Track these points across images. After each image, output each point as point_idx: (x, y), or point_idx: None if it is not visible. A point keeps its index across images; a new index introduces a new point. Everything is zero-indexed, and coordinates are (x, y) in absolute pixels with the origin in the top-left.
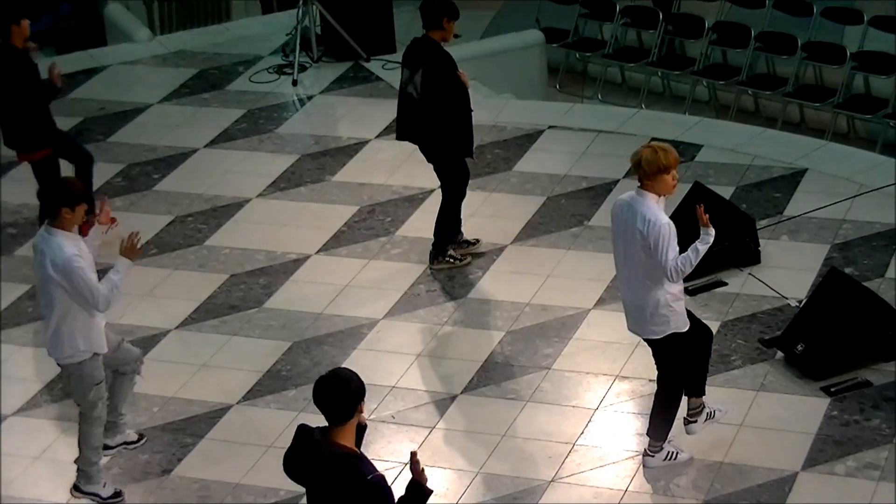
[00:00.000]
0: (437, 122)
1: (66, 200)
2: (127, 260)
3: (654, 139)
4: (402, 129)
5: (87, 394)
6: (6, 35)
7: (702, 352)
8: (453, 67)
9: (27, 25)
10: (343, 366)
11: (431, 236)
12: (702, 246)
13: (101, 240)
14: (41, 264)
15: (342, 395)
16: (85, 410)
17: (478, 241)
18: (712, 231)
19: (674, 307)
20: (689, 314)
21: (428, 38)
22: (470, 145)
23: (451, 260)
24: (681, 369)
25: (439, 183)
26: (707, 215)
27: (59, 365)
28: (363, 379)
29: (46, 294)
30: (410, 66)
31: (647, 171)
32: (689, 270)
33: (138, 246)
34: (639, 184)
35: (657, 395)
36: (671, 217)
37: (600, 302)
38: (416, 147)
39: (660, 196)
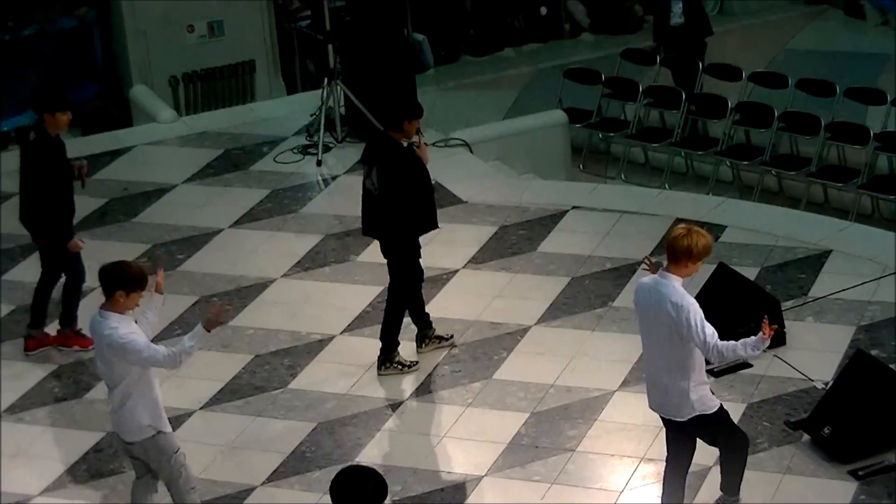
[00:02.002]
0: (395, 218)
1: (123, 284)
2: (205, 331)
3: (678, 220)
4: (364, 222)
5: (169, 464)
6: (39, 119)
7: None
8: (409, 161)
9: (66, 121)
10: (367, 447)
11: (455, 317)
12: (751, 350)
13: (157, 315)
14: (98, 347)
15: (356, 496)
16: (173, 481)
17: (451, 336)
18: (766, 345)
19: (699, 390)
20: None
21: (385, 136)
22: (433, 220)
23: (399, 367)
24: (729, 433)
25: (389, 281)
26: (772, 327)
27: (129, 444)
28: (386, 461)
29: (107, 373)
30: (367, 163)
31: (696, 255)
32: (729, 359)
33: (223, 320)
34: (667, 265)
35: (722, 452)
36: (696, 298)
37: (625, 383)
38: (438, 229)
39: (683, 278)
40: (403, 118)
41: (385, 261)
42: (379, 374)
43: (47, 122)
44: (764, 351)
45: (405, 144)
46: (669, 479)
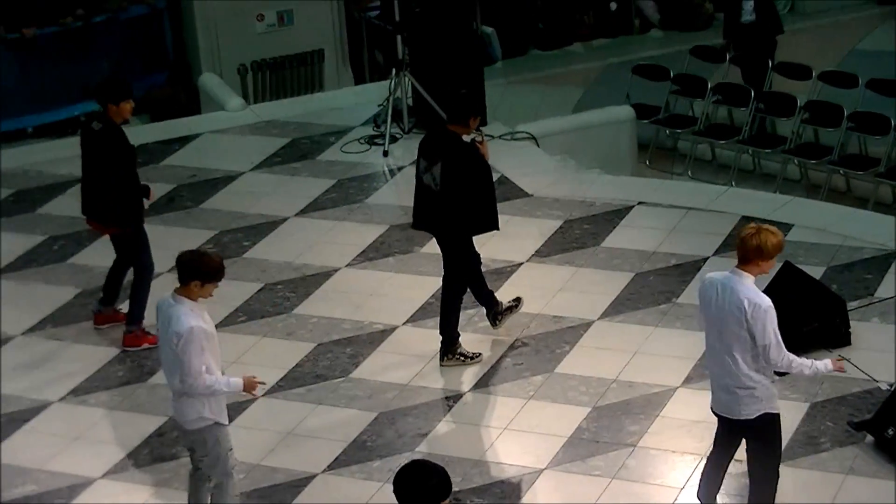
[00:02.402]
0: (457, 214)
1: (201, 275)
2: (241, 384)
3: (744, 218)
4: (418, 217)
5: (219, 461)
6: (103, 108)
7: None
8: (474, 158)
9: (129, 109)
10: (428, 438)
11: (523, 309)
12: (812, 373)
13: None
14: (164, 332)
15: (419, 491)
16: (219, 479)
17: (519, 299)
18: (830, 370)
19: (767, 386)
20: None
21: (449, 131)
22: (495, 221)
23: (462, 358)
24: (775, 452)
25: (444, 274)
26: (841, 362)
27: (185, 432)
28: (446, 452)
29: (168, 357)
30: (428, 158)
31: (766, 254)
32: (793, 371)
33: (257, 393)
34: (738, 263)
35: (752, 481)
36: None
37: (687, 380)
38: (507, 219)
39: (755, 277)
40: (472, 114)
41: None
42: (441, 366)
43: (111, 112)
44: (829, 350)
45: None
46: (711, 476)
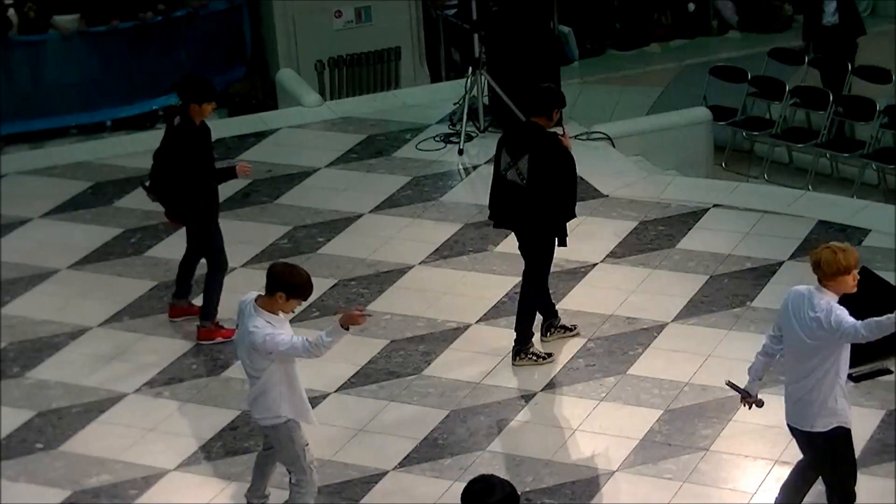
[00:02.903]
0: (542, 209)
1: (288, 288)
2: (343, 330)
3: (821, 222)
4: (500, 215)
5: (296, 459)
6: (185, 107)
7: None
8: (560, 149)
9: (210, 110)
10: (499, 437)
11: (591, 310)
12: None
13: None
14: (242, 335)
15: None
16: (298, 474)
17: (575, 326)
18: None
19: (842, 400)
20: None
21: (533, 124)
22: (572, 210)
23: (534, 358)
24: (848, 465)
25: (524, 272)
26: None
27: (262, 427)
28: (517, 451)
29: (248, 363)
30: (512, 152)
31: (826, 272)
32: (882, 329)
33: (361, 323)
34: (818, 282)
35: (828, 492)
36: (839, 303)
37: (761, 385)
38: (582, 219)
39: (838, 296)
40: (555, 106)
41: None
42: (514, 365)
43: (192, 111)
44: None
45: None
46: (791, 485)
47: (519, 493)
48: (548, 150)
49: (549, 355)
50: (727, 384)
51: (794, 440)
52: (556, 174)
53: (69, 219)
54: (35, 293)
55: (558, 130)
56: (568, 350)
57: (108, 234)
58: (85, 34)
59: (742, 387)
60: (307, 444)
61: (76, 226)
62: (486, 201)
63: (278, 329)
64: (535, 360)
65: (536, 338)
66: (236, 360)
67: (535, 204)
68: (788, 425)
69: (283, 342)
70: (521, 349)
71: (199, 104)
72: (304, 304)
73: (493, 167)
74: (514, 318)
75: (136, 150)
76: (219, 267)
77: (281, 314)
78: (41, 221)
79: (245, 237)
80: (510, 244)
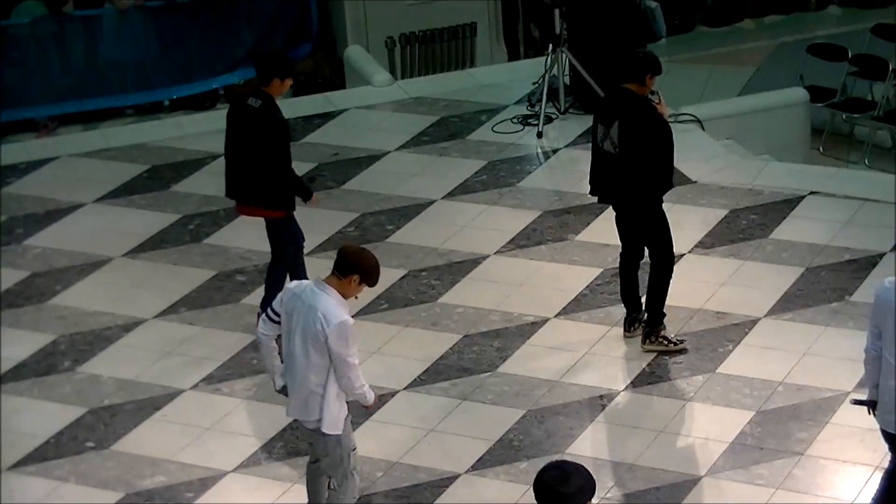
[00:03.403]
0: (638, 179)
1: (363, 271)
2: (372, 399)
3: None
4: (598, 187)
5: (340, 463)
6: (265, 83)
7: None
8: (653, 115)
9: (288, 86)
10: (579, 439)
11: (678, 304)
12: None
13: None
14: (308, 318)
15: (560, 493)
16: (339, 479)
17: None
18: None
19: None
20: None
21: (625, 90)
22: (670, 181)
23: (665, 342)
24: None
25: (648, 251)
26: None
27: (308, 430)
28: (598, 454)
29: (303, 351)
30: (605, 121)
31: None
32: None
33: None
34: None
35: None
36: None
37: (860, 385)
38: (668, 207)
39: None
40: (648, 71)
41: (607, 239)
42: (644, 349)
43: (273, 87)
44: None
45: None
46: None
47: (599, 499)
48: (639, 117)
49: (682, 341)
50: (853, 403)
51: None
52: (649, 142)
53: (124, 204)
54: (88, 282)
55: (654, 99)
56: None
57: (164, 221)
58: (142, 8)
59: (866, 399)
60: (354, 449)
61: (131, 211)
62: (566, 187)
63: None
64: (666, 345)
65: (618, 332)
66: None
67: (629, 173)
68: (880, 428)
69: (353, 360)
70: (652, 331)
71: (282, 80)
72: (369, 294)
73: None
74: (595, 312)
75: (195, 131)
76: (287, 261)
77: (347, 302)
78: (95, 207)
79: (309, 225)
80: (592, 232)
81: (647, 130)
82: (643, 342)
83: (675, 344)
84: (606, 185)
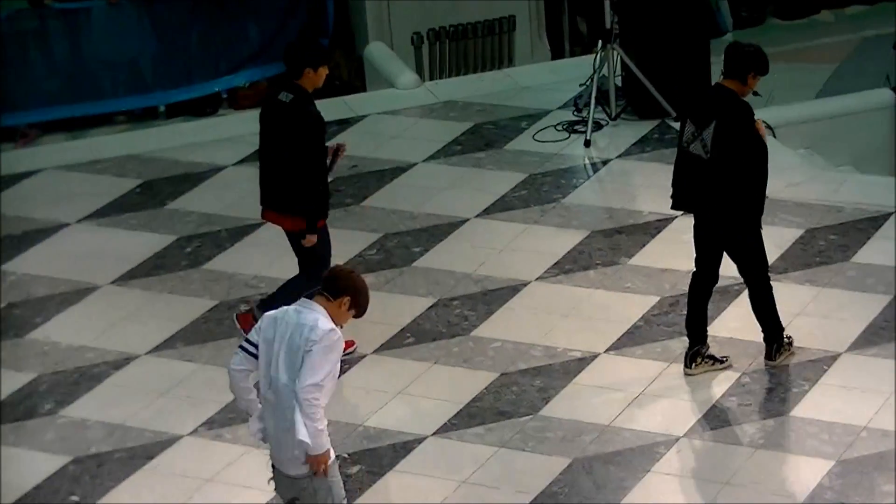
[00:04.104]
0: (731, 188)
1: (353, 293)
2: (327, 453)
3: None
4: (681, 195)
5: None
6: (296, 76)
7: None
8: (752, 125)
9: (324, 75)
10: (632, 492)
11: (746, 338)
12: None
13: None
14: (293, 336)
15: None
16: None
17: (726, 358)
18: None
19: None
20: None
21: (723, 88)
22: (761, 208)
23: (712, 362)
24: None
25: (737, 268)
26: None
27: (286, 479)
28: None
29: (289, 376)
30: (697, 120)
31: None
32: None
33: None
34: None
35: None
36: None
37: None
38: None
39: None
40: (751, 69)
41: (665, 262)
42: (768, 364)
43: (306, 79)
44: None
45: None
46: None
47: None
48: (739, 121)
49: (726, 358)
50: None
51: None
52: (745, 151)
53: (113, 224)
54: (72, 314)
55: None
56: (718, 386)
57: (159, 243)
58: (135, 1)
59: None
60: (345, 499)
61: (121, 232)
62: (618, 203)
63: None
64: (712, 364)
65: (677, 370)
66: None
67: (720, 182)
68: None
69: (318, 366)
70: (779, 347)
71: (316, 68)
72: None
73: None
74: (652, 346)
75: (195, 140)
76: (312, 276)
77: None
78: (80, 227)
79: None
80: (647, 255)
81: (744, 138)
82: (773, 356)
83: (721, 362)
84: (692, 193)
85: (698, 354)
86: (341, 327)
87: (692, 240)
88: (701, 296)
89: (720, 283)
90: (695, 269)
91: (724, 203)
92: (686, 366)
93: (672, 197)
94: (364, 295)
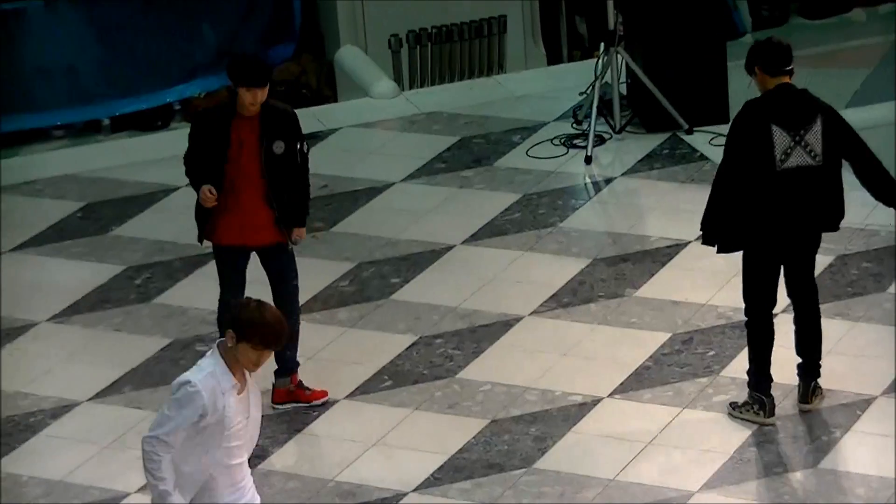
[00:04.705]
0: (839, 187)
1: (235, 324)
2: None
3: None
4: (805, 217)
5: None
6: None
7: None
8: None
9: (243, 95)
10: None
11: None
12: None
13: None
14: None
15: None
16: None
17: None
18: None
19: None
20: None
21: (792, 87)
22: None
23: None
24: None
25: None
26: None
27: None
28: None
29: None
30: (792, 124)
31: None
32: None
33: None
34: None
35: None
36: None
37: None
38: None
39: None
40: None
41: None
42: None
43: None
44: None
45: None
46: None
47: None
48: (840, 117)
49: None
50: None
51: None
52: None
53: (52, 252)
54: (4, 355)
55: None
56: (737, 434)
57: (104, 274)
58: (76, 0)
59: None
60: None
61: (61, 262)
62: (623, 227)
63: (207, 386)
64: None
65: (690, 416)
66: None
67: (837, 188)
68: None
69: (166, 419)
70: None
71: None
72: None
73: (718, 171)
74: (662, 390)
75: (144, 158)
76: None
77: (238, 375)
78: (14, 256)
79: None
80: (657, 286)
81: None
82: (809, 398)
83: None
84: (802, 212)
85: (818, 387)
86: (253, 366)
87: (707, 267)
88: (769, 334)
89: (740, 315)
90: (760, 301)
91: (835, 210)
92: (803, 401)
93: (719, 237)
94: (249, 325)
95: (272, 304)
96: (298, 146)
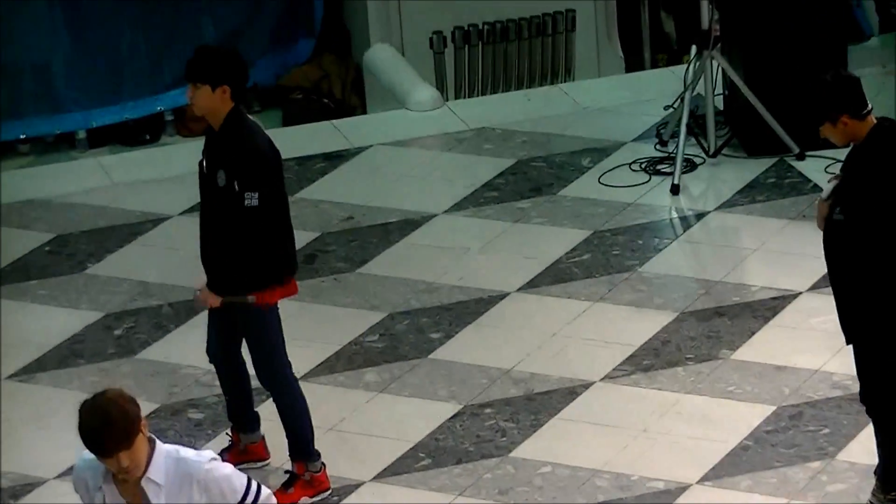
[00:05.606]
0: None
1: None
2: None
3: None
4: None
5: None
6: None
7: None
8: None
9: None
10: None
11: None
12: None
13: None
14: None
15: None
16: None
17: None
18: None
19: None
20: None
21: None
22: None
23: None
24: None
25: None
26: None
27: None
28: None
29: None
30: None
31: None
32: None
33: None
34: None
35: None
36: None
37: None
38: None
39: None
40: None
41: (784, 357)
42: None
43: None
44: None
45: None
46: None
47: None
48: None
49: None
50: None
51: None
52: None
53: (13, 294)
54: None
55: None
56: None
57: (77, 322)
58: None
59: None
60: None
61: (25, 306)
62: (718, 273)
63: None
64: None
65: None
66: None
67: None
68: None
69: None
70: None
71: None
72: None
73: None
74: (764, 475)
75: (127, 179)
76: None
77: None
78: None
79: (307, 330)
80: (758, 347)
81: None
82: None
83: None
84: None
85: None
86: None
87: (819, 326)
88: None
89: (845, 391)
90: None
91: None
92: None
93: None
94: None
95: None
96: (237, 186)
